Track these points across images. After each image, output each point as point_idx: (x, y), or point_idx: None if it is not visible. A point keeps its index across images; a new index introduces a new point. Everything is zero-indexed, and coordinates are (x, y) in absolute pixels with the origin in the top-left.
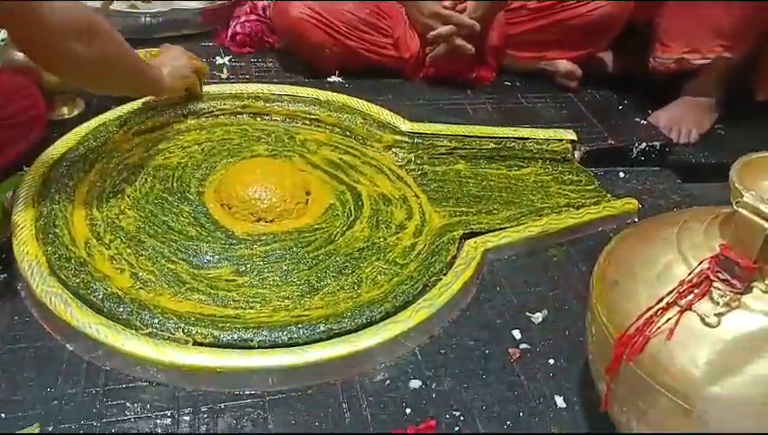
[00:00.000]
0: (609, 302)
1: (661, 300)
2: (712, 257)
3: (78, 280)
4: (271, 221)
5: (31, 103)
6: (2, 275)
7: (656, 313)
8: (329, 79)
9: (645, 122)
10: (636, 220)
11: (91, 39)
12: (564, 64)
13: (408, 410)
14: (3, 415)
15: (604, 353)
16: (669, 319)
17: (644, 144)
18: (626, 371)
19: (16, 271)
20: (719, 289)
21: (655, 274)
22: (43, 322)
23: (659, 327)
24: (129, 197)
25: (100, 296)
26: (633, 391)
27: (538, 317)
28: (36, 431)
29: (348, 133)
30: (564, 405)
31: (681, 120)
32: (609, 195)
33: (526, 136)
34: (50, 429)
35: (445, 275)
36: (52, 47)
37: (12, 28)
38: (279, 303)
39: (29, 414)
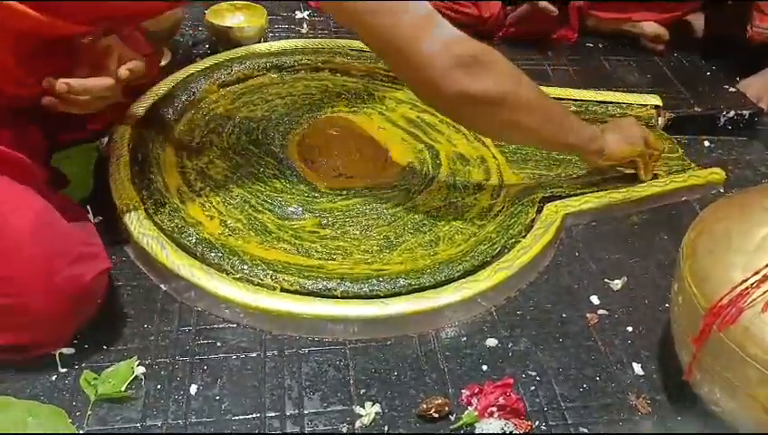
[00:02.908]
0: (701, 271)
1: (758, 272)
2: None
3: (172, 224)
4: (351, 177)
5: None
6: (99, 218)
7: (752, 284)
8: None
9: (734, 90)
10: (721, 191)
11: (480, 73)
12: (651, 26)
13: (485, 367)
14: (105, 347)
15: (691, 323)
16: (766, 292)
17: (732, 112)
18: (715, 341)
19: (114, 214)
20: None
21: (753, 245)
22: (139, 262)
23: (755, 299)
24: (216, 147)
25: (193, 241)
26: (721, 362)
27: (617, 284)
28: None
29: None
30: (642, 372)
31: None
32: (693, 164)
33: (609, 100)
34: (147, 362)
35: (523, 237)
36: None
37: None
38: (359, 256)
39: (128, 348)
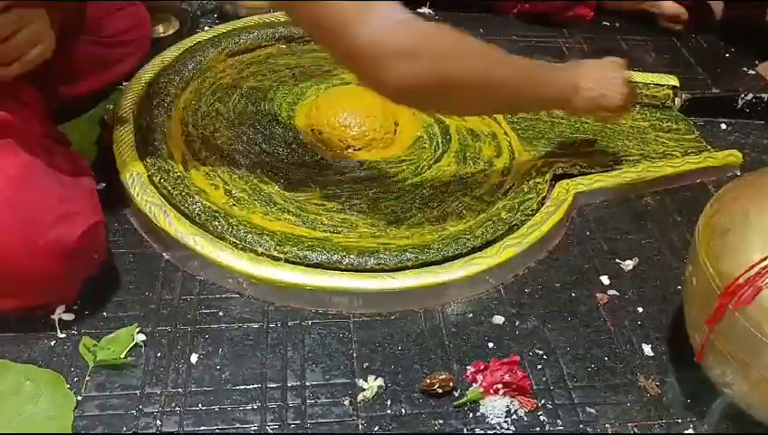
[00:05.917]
0: (717, 250)
1: None
2: None
3: (176, 192)
4: (359, 149)
5: (137, 23)
6: (102, 184)
7: None
8: (419, 9)
9: (753, 72)
10: (738, 174)
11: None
12: (670, 6)
13: (491, 344)
14: (105, 314)
15: (706, 303)
16: None
17: (750, 95)
18: (730, 321)
19: (117, 181)
20: None
21: None
22: (141, 230)
23: None
24: (222, 116)
25: (197, 210)
26: (736, 344)
27: (628, 265)
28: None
29: None
30: (652, 354)
31: None
32: (709, 146)
33: None
34: (148, 329)
35: (533, 215)
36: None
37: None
38: (366, 229)
39: (129, 315)
